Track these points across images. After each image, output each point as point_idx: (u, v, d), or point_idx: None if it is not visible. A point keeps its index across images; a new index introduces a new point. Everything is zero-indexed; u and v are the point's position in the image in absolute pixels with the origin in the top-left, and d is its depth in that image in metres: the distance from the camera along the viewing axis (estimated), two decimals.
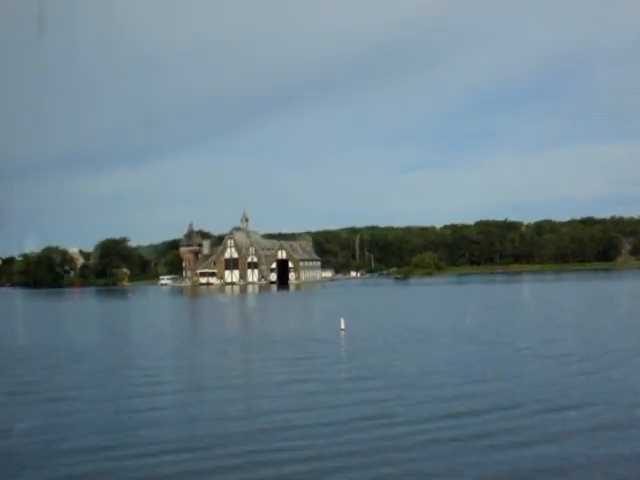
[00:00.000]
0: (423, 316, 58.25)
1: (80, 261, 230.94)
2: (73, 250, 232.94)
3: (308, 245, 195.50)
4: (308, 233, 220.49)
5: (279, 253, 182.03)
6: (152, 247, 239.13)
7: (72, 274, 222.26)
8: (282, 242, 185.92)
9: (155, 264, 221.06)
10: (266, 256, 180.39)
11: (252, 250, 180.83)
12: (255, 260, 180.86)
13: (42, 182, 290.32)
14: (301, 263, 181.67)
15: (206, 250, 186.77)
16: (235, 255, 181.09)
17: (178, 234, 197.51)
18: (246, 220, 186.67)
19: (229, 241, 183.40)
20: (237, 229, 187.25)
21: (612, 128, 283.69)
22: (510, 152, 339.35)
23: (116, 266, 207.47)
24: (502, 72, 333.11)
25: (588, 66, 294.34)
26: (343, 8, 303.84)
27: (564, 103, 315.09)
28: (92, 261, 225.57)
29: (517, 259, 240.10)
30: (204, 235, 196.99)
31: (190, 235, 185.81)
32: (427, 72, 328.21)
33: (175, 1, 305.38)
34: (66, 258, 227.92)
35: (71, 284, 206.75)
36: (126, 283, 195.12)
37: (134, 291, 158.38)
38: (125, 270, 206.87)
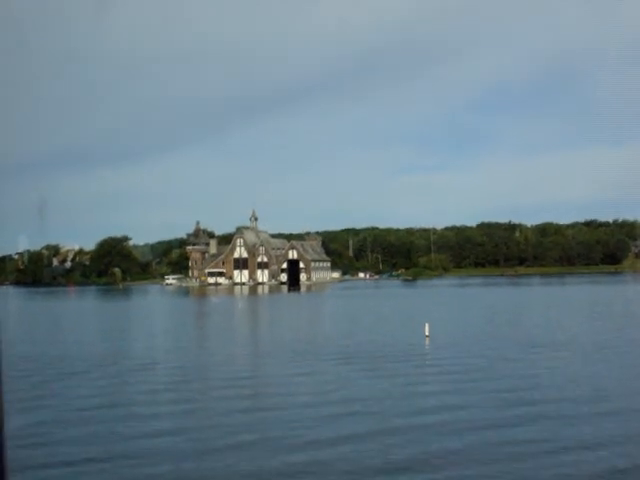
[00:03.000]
0: (493, 321, 54.79)
1: (70, 258, 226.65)
2: (70, 248, 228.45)
3: (318, 245, 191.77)
4: (308, 234, 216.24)
5: (290, 253, 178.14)
6: (148, 247, 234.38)
7: (65, 272, 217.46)
8: (293, 242, 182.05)
9: (158, 263, 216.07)
10: (276, 256, 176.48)
11: (262, 250, 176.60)
12: (265, 260, 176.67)
13: (40, 180, 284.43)
14: (312, 264, 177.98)
15: (213, 249, 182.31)
16: (245, 255, 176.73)
17: (173, 234, 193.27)
18: (255, 219, 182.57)
19: (238, 240, 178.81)
20: (245, 228, 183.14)
21: (613, 131, 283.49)
22: (509, 154, 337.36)
23: (116, 265, 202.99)
24: (503, 73, 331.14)
25: (589, 68, 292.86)
26: (340, 8, 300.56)
27: (565, 105, 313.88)
28: (81, 259, 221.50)
29: (522, 262, 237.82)
30: (209, 234, 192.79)
31: (197, 234, 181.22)
32: (426, 73, 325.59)
33: (168, 3, 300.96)
34: (59, 256, 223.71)
35: (69, 283, 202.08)
36: (120, 284, 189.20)
37: (136, 291, 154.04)
38: (117, 269, 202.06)
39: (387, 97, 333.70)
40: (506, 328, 48.56)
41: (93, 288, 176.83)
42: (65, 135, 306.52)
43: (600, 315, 57.86)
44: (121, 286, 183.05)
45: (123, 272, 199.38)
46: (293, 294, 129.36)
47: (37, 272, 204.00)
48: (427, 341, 40.87)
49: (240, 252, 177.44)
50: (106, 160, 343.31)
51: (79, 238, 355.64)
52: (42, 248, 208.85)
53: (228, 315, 76.67)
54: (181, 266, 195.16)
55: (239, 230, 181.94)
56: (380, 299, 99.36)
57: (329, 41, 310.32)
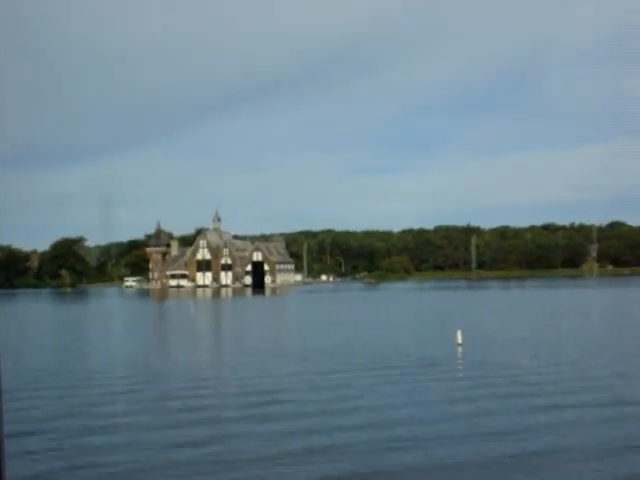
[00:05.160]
0: (518, 325, 52.41)
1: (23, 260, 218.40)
2: (23, 249, 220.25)
3: (282, 247, 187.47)
4: (262, 236, 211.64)
5: (254, 255, 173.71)
6: (98, 248, 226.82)
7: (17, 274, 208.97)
8: (258, 243, 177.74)
9: (114, 264, 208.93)
10: (240, 258, 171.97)
11: (226, 251, 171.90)
12: (229, 262, 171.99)
13: None
14: (277, 266, 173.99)
15: (175, 251, 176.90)
16: (208, 256, 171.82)
17: (128, 235, 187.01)
18: (218, 220, 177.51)
19: (201, 242, 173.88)
20: (207, 229, 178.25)
21: (568, 133, 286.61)
22: (462, 156, 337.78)
23: (69, 267, 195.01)
24: (458, 75, 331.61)
25: (545, 71, 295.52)
26: (296, 8, 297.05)
27: (519, 108, 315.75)
28: (33, 262, 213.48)
29: (481, 265, 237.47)
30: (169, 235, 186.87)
31: (158, 235, 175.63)
32: (381, 74, 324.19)
33: None
34: (10, 257, 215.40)
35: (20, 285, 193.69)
36: (69, 288, 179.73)
37: (90, 294, 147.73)
38: (64, 271, 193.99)
39: (342, 98, 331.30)
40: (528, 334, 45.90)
41: (46, 291, 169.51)
42: (16, 132, 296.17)
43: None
44: (69, 289, 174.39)
45: (79, 274, 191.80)
46: (259, 297, 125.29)
47: None
48: (460, 350, 37.08)
49: (203, 254, 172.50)
50: (59, 159, 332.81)
51: (33, 239, 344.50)
52: None
53: (202, 323, 72.63)
54: (139, 268, 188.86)
55: (202, 231, 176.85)
56: (355, 303, 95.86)
57: (283, 40, 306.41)
